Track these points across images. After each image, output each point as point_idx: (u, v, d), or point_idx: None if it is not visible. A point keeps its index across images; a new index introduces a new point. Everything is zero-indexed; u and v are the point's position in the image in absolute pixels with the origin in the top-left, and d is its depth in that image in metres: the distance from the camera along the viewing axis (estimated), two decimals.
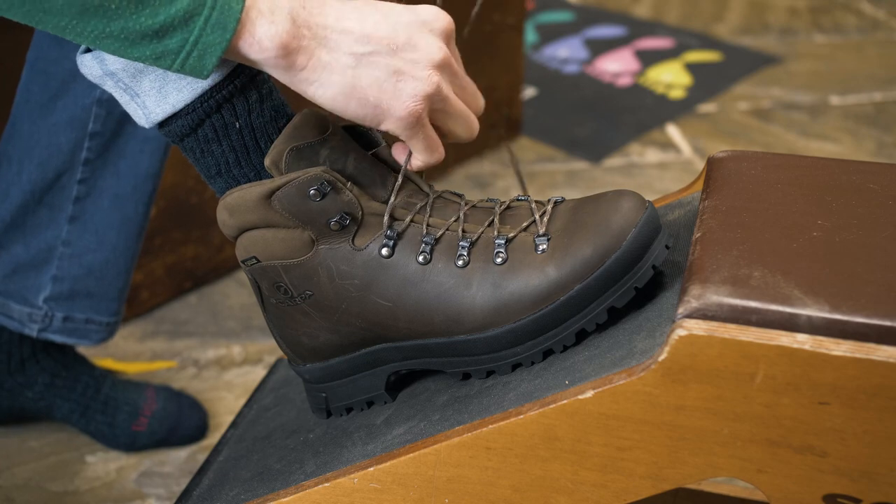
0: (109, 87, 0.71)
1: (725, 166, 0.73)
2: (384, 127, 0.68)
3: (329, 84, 0.65)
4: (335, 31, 0.64)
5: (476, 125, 0.72)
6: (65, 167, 1.01)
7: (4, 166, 1.02)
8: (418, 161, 0.72)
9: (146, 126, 0.72)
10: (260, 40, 0.63)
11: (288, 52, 0.64)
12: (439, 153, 0.72)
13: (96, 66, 0.70)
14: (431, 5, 0.67)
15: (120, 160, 1.02)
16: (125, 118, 1.00)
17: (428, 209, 0.73)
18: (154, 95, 0.70)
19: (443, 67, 0.67)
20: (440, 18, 0.68)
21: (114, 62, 0.69)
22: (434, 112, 0.69)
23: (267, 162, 0.71)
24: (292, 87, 0.66)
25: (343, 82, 0.65)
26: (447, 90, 0.69)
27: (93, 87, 0.97)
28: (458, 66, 0.70)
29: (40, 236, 1.04)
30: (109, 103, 0.98)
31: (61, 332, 1.08)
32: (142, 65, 0.69)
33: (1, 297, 1.07)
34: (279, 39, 0.63)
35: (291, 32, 0.63)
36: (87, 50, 0.72)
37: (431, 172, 1.76)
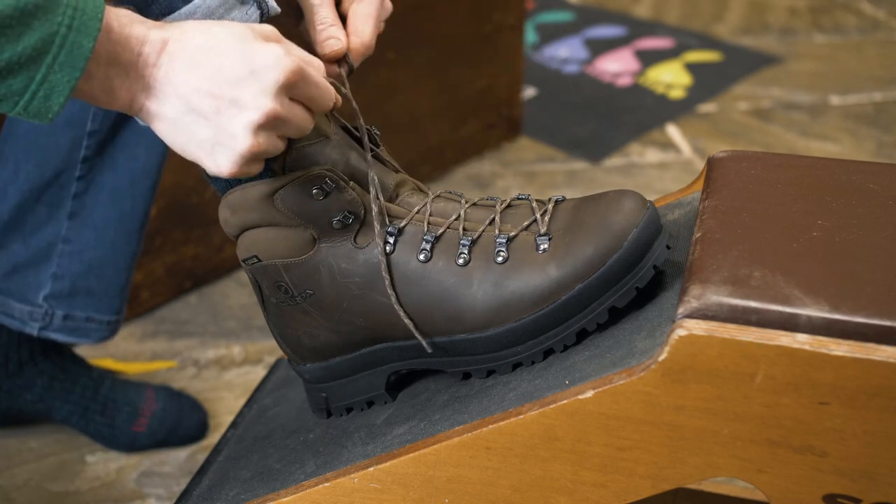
0: None
1: (725, 166, 0.73)
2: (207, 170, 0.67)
3: (160, 130, 0.65)
4: (166, 81, 0.62)
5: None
6: (63, 166, 1.01)
7: (2, 166, 1.02)
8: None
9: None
10: (98, 94, 0.62)
11: (127, 103, 0.63)
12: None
13: None
14: (279, 50, 0.63)
15: (118, 155, 1.02)
16: (123, 117, 1.00)
17: (429, 207, 0.73)
18: None
19: (264, 125, 0.64)
20: (275, 69, 0.62)
21: None
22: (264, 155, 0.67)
23: (269, 162, 0.71)
24: None
25: (170, 132, 0.64)
26: (268, 142, 0.65)
27: None
28: (293, 111, 0.65)
29: (39, 234, 1.04)
30: None
31: (62, 330, 1.08)
32: None
33: (1, 295, 1.07)
34: (117, 97, 0.62)
35: (127, 85, 0.62)
36: None
37: (431, 171, 1.77)
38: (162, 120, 0.64)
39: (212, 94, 0.62)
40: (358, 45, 0.77)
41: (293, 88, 0.64)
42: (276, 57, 0.63)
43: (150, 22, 0.63)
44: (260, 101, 0.62)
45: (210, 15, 0.68)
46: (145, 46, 0.62)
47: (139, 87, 0.62)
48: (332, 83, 0.69)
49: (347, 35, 0.77)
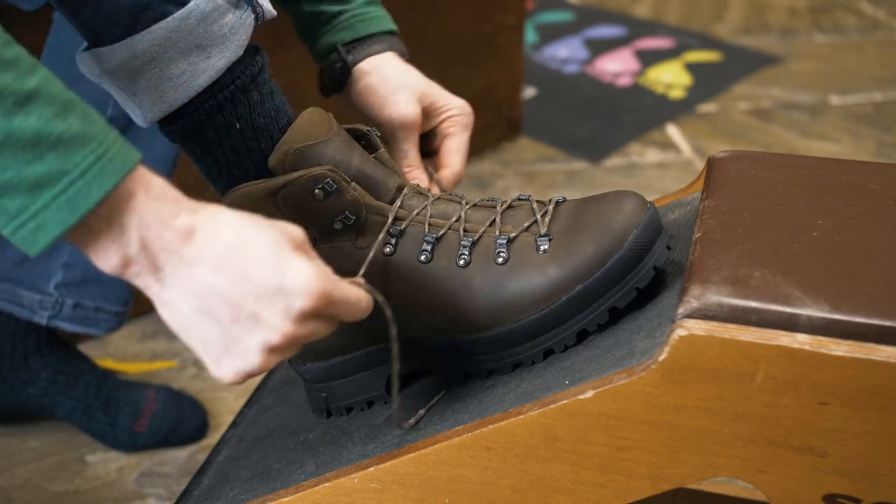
0: (108, 85, 0.71)
1: (725, 166, 0.73)
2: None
3: (167, 316, 0.59)
4: (185, 275, 0.57)
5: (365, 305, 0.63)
6: None
7: None
8: None
9: (144, 125, 0.72)
10: (93, 252, 0.56)
11: (120, 273, 0.57)
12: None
13: (94, 65, 0.70)
14: (310, 272, 0.57)
15: (134, 143, 1.02)
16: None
17: (429, 208, 0.73)
18: (151, 94, 0.70)
19: (279, 347, 0.58)
20: (307, 294, 0.57)
21: (111, 61, 0.69)
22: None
23: (271, 162, 0.71)
24: None
25: (178, 322, 0.58)
26: (278, 360, 0.60)
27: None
28: (312, 333, 0.60)
29: None
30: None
31: (71, 319, 1.08)
32: (138, 63, 0.69)
33: (11, 283, 1.07)
34: (112, 263, 0.56)
35: (131, 260, 0.56)
36: (87, 47, 0.72)
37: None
38: (170, 309, 0.58)
39: (232, 303, 0.57)
40: (450, 176, 0.85)
41: (319, 313, 0.59)
42: (306, 281, 0.57)
43: (180, 203, 0.58)
44: (281, 325, 0.57)
45: (203, 20, 0.68)
46: (168, 231, 0.56)
47: (147, 267, 0.57)
48: (366, 289, 0.65)
49: (440, 167, 0.86)
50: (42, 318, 1.07)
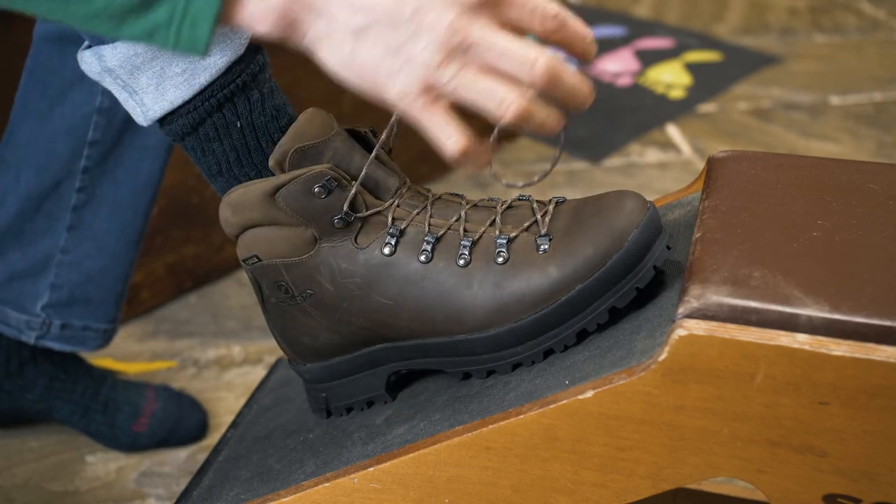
0: (108, 83, 0.71)
1: (725, 166, 0.73)
2: (387, 101, 0.60)
3: (329, 55, 0.58)
4: (334, 1, 0.56)
5: (513, 102, 0.58)
6: (63, 175, 1.01)
7: (2, 173, 1.02)
8: (447, 147, 0.61)
9: (144, 124, 0.72)
10: (251, 14, 0.57)
11: (283, 25, 0.57)
12: (451, 140, 0.59)
13: (95, 63, 0.70)
14: None
15: (118, 168, 1.02)
16: (125, 127, 0.99)
17: (429, 209, 0.73)
18: (152, 92, 0.70)
19: (453, 48, 0.56)
20: None
21: (112, 58, 0.69)
22: (455, 91, 0.59)
23: (271, 162, 0.71)
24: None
25: (342, 56, 0.58)
26: (454, 73, 0.57)
27: (92, 95, 0.97)
28: (490, 37, 0.57)
29: (38, 244, 1.04)
30: (109, 112, 0.98)
31: (59, 339, 1.08)
32: (139, 61, 0.69)
33: None
34: (272, 14, 0.57)
35: (286, 5, 0.57)
36: (88, 46, 0.72)
37: (431, 171, 1.77)
38: (332, 44, 0.57)
39: (390, 9, 0.56)
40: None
41: (492, 6, 0.56)
42: None
43: None
44: (447, 18, 0.55)
45: None
46: None
47: (302, 7, 0.56)
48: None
49: None
50: (30, 339, 1.07)
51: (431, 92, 0.58)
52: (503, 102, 0.58)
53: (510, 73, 0.58)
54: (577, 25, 0.60)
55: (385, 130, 0.72)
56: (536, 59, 0.58)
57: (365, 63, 0.57)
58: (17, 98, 0.99)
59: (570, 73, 0.60)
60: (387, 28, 0.56)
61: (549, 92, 0.59)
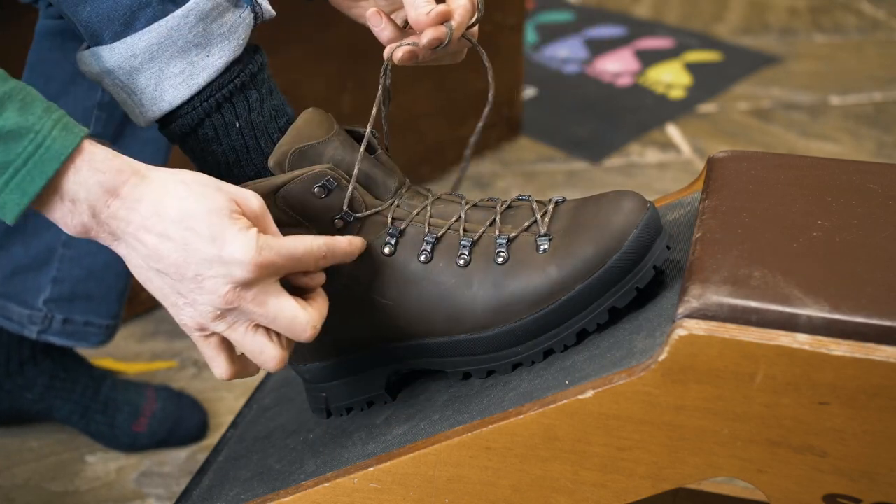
0: (107, 84, 0.71)
1: (725, 166, 0.73)
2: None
3: (130, 268, 0.65)
4: (134, 238, 0.63)
5: (274, 358, 0.66)
6: None
7: None
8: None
9: (143, 125, 0.72)
10: (59, 219, 0.62)
11: (88, 237, 0.63)
12: (217, 369, 0.67)
13: (93, 64, 0.70)
14: (246, 245, 0.62)
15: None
16: (126, 122, 1.00)
17: (429, 208, 0.73)
18: (150, 93, 0.70)
19: (225, 311, 0.63)
20: (246, 264, 0.62)
21: (110, 60, 0.69)
22: (228, 337, 0.66)
23: (271, 162, 0.71)
24: None
25: (139, 275, 0.65)
26: (227, 325, 0.64)
27: (93, 90, 0.97)
28: (259, 308, 0.64)
29: (40, 238, 1.04)
30: (110, 106, 0.98)
31: (61, 334, 1.08)
32: (137, 62, 0.69)
33: (0, 298, 1.07)
34: (72, 229, 0.63)
35: (87, 225, 0.62)
36: (87, 46, 0.72)
37: (431, 171, 1.77)
38: (130, 263, 0.65)
39: (177, 265, 0.62)
40: (464, 10, 0.73)
41: (263, 279, 0.63)
42: (242, 254, 0.62)
43: (127, 170, 0.62)
44: (223, 290, 0.62)
45: (203, 19, 0.68)
46: (115, 200, 0.62)
47: (103, 230, 0.63)
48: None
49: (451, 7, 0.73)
50: (31, 333, 1.07)
51: (207, 330, 0.65)
52: (265, 360, 0.66)
53: (280, 331, 0.65)
54: (343, 255, 0.68)
55: (370, 123, 0.72)
56: (307, 326, 0.65)
57: (156, 289, 0.65)
58: None
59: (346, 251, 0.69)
60: (173, 278, 0.63)
61: None
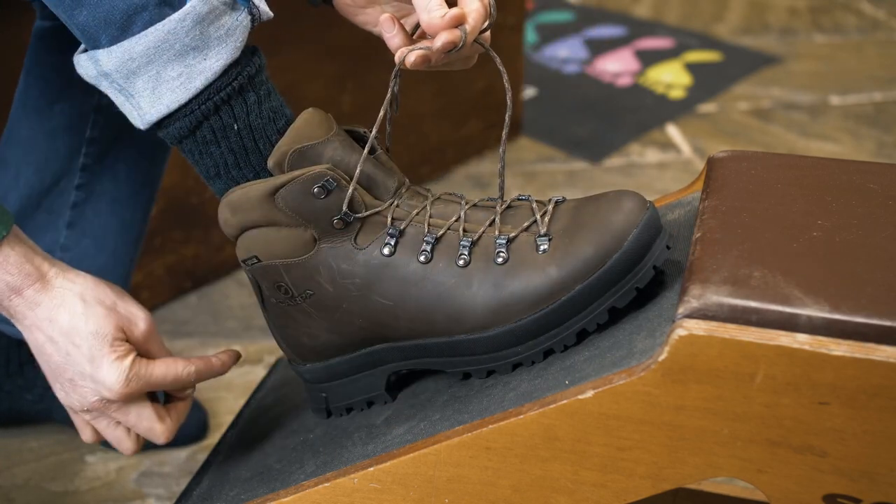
0: (105, 87, 0.71)
1: (725, 166, 0.73)
2: None
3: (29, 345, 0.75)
4: (28, 329, 0.73)
5: (129, 450, 0.80)
6: (62, 172, 1.01)
7: (2, 171, 1.02)
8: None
9: (142, 127, 0.72)
10: None
11: None
12: (86, 439, 0.80)
13: (91, 67, 0.70)
14: (116, 377, 0.72)
15: (118, 165, 1.02)
16: (124, 124, 0.99)
17: (429, 209, 0.73)
18: (148, 96, 0.70)
19: (93, 411, 0.76)
20: (114, 392, 0.73)
21: (108, 63, 0.69)
22: (96, 426, 0.79)
23: (270, 163, 0.71)
24: None
25: (33, 351, 0.74)
26: (94, 418, 0.77)
27: (91, 93, 0.97)
28: (121, 416, 0.76)
29: (38, 241, 1.04)
30: (108, 110, 0.98)
31: None
32: (135, 65, 0.69)
33: None
34: None
35: None
36: (84, 50, 0.72)
37: (432, 171, 1.77)
38: (29, 342, 0.74)
39: (57, 366, 0.73)
40: (477, 15, 0.73)
41: (128, 401, 0.75)
42: (111, 383, 0.72)
43: (34, 274, 0.72)
44: (91, 401, 0.74)
45: (200, 22, 0.68)
46: (16, 298, 0.72)
47: (5, 311, 0.73)
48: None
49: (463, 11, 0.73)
50: None
51: (77, 413, 0.77)
52: (122, 448, 0.79)
53: (140, 433, 0.78)
54: (216, 374, 0.80)
55: (375, 125, 0.72)
56: (160, 436, 0.78)
57: (45, 368, 0.75)
58: (17, 96, 0.99)
59: (218, 369, 0.80)
60: (54, 371, 0.74)
61: None
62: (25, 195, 1.02)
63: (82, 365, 0.72)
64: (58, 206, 1.02)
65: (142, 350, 0.75)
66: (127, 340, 0.74)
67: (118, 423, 0.77)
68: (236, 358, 0.80)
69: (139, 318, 0.75)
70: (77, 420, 0.78)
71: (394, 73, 0.73)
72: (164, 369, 0.75)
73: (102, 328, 0.72)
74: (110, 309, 0.73)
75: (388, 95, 0.73)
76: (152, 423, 0.76)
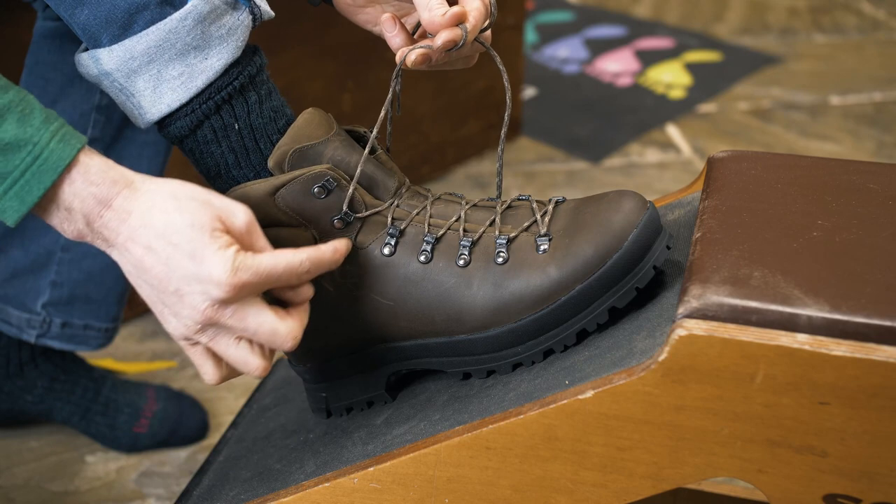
0: (105, 86, 0.71)
1: (725, 166, 0.73)
2: None
3: (123, 271, 0.67)
4: (124, 248, 0.65)
5: (258, 368, 0.68)
6: None
7: None
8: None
9: (143, 126, 0.72)
10: (56, 224, 0.65)
11: (82, 241, 0.66)
12: (207, 375, 0.69)
13: (92, 66, 0.70)
14: (222, 266, 0.63)
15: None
16: (124, 124, 0.99)
17: (429, 209, 0.73)
18: (149, 95, 0.70)
19: (207, 324, 0.65)
20: (222, 284, 0.63)
21: (108, 62, 0.69)
22: (212, 348, 0.68)
23: (270, 163, 0.71)
24: None
25: (129, 280, 0.67)
26: (210, 337, 0.66)
27: (91, 92, 0.97)
28: (240, 323, 0.66)
29: (39, 241, 1.04)
30: (108, 109, 0.98)
31: (59, 338, 1.08)
32: (136, 65, 0.69)
33: (0, 302, 1.07)
34: (72, 233, 0.65)
35: (82, 233, 0.65)
36: (85, 49, 0.72)
37: (432, 171, 1.77)
38: (122, 269, 0.67)
39: (160, 279, 0.65)
40: (477, 14, 0.73)
41: (242, 297, 0.65)
42: (218, 274, 0.63)
43: (121, 181, 0.64)
44: (201, 306, 0.64)
45: (201, 21, 0.68)
46: (107, 211, 0.64)
47: (97, 237, 0.65)
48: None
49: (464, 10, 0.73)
50: (30, 337, 1.07)
51: (192, 340, 0.67)
52: (250, 371, 0.67)
53: (262, 343, 0.67)
54: (327, 257, 0.69)
55: (375, 125, 0.72)
56: (287, 338, 0.67)
57: (145, 296, 0.67)
58: None
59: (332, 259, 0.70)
60: (157, 289, 0.65)
61: None
62: None
63: (184, 265, 0.64)
64: None
65: (244, 244, 0.66)
66: (227, 233, 0.65)
67: (238, 338, 0.67)
68: (348, 246, 0.71)
69: (237, 209, 0.66)
70: (195, 356, 0.68)
71: (395, 73, 0.73)
72: (273, 258, 0.66)
73: (199, 219, 0.64)
74: (205, 202, 0.65)
75: (390, 95, 0.73)
76: (274, 324, 0.66)
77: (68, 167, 0.63)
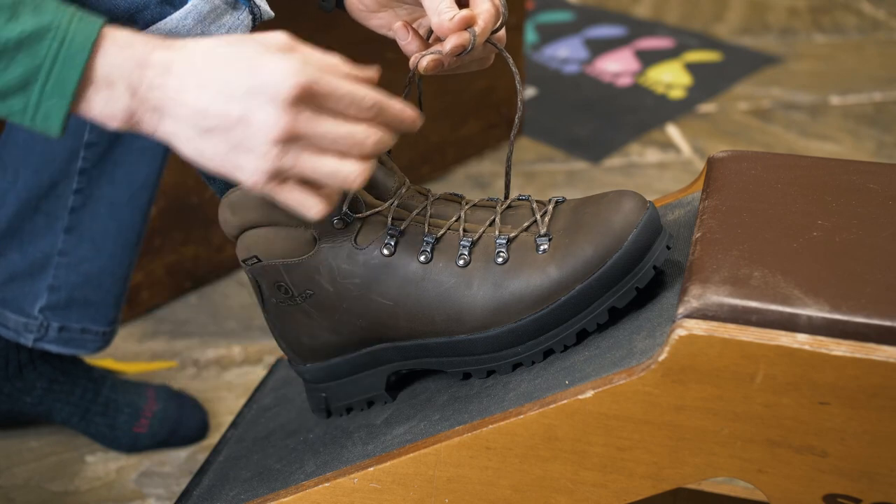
0: None
1: (725, 166, 0.73)
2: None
3: (181, 148, 0.62)
4: (175, 103, 0.60)
5: (353, 171, 0.62)
6: (60, 176, 1.01)
7: (1, 173, 1.02)
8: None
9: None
10: (99, 116, 0.61)
11: (132, 124, 0.62)
12: (312, 209, 0.63)
13: None
14: (284, 64, 0.59)
15: (116, 169, 1.02)
16: None
17: (429, 209, 0.73)
18: None
19: (284, 140, 0.60)
20: (283, 82, 0.59)
21: None
22: (299, 173, 0.62)
23: None
24: None
25: (192, 150, 0.62)
26: (293, 159, 0.61)
27: None
28: (318, 128, 0.61)
29: (36, 244, 1.04)
30: None
31: (57, 341, 1.08)
32: None
33: None
34: (118, 118, 0.61)
35: (130, 108, 0.61)
36: None
37: (432, 171, 1.77)
38: (182, 141, 0.61)
39: (221, 114, 0.60)
40: (488, 15, 0.73)
41: (311, 101, 0.60)
42: (284, 70, 0.59)
43: (152, 41, 0.61)
44: (271, 117, 0.59)
45: (201, 21, 0.68)
46: (148, 70, 0.60)
47: (146, 108, 0.61)
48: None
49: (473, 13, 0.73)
50: (27, 341, 1.07)
51: (278, 176, 0.61)
52: (346, 178, 0.62)
53: (346, 151, 0.62)
54: (394, 109, 0.64)
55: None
56: (367, 138, 0.62)
57: (213, 156, 0.61)
58: None
59: (398, 115, 0.64)
60: (223, 129, 0.60)
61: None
62: (24, 197, 1.02)
63: (244, 81, 0.59)
64: (56, 208, 1.02)
65: None
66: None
67: (319, 149, 0.61)
68: (414, 119, 0.65)
69: (272, 34, 0.62)
70: (290, 194, 0.63)
71: (408, 79, 0.73)
72: (333, 58, 0.62)
73: (246, 43, 0.61)
74: (241, 37, 0.62)
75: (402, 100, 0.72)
76: (350, 128, 0.61)
77: (97, 41, 0.59)
